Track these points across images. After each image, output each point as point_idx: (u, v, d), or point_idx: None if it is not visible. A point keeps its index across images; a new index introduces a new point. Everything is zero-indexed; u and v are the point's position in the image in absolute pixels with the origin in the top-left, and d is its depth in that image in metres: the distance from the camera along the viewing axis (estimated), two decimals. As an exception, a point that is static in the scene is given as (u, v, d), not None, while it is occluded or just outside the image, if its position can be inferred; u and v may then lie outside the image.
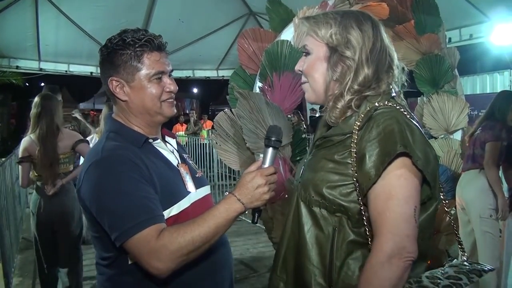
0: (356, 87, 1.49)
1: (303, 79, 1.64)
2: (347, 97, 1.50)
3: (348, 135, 1.47)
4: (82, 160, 4.38)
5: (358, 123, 1.45)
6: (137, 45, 1.71)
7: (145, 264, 1.52)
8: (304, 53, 1.63)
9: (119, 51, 1.72)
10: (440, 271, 1.49)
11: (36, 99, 4.18)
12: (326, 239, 1.48)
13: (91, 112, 21.35)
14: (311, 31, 1.58)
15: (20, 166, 4.08)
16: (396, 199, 1.35)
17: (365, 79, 1.49)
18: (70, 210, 4.05)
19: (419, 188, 1.39)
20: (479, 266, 1.55)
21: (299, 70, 1.64)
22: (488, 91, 9.60)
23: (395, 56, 1.58)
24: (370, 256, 1.36)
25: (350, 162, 1.43)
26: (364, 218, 1.42)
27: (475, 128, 4.32)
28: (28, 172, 4.02)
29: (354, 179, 1.42)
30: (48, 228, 4.02)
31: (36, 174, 4.03)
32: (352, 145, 1.43)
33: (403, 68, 1.62)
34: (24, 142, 4.04)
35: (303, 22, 1.63)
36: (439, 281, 1.41)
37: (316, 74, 1.57)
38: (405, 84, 1.63)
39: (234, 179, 10.37)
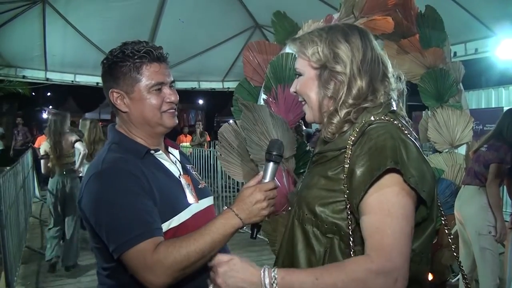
0: (350, 101, 1.46)
1: (301, 98, 1.61)
2: (342, 112, 1.46)
3: (342, 150, 1.44)
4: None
5: (353, 138, 1.41)
6: (136, 57, 1.72)
7: (140, 278, 1.52)
8: (296, 75, 1.60)
9: (119, 63, 1.73)
10: None
11: (50, 117, 6.44)
12: (317, 261, 1.44)
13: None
14: (299, 52, 1.56)
15: (42, 160, 6.30)
16: (396, 217, 1.28)
17: (359, 92, 1.45)
18: (73, 186, 6.17)
19: (414, 208, 1.33)
20: None
21: (294, 92, 1.62)
22: (493, 106, 9.58)
23: (389, 64, 1.55)
24: (360, 260, 1.28)
25: (343, 178, 1.39)
26: (355, 238, 1.36)
27: (480, 144, 4.29)
28: (47, 164, 6.18)
29: (346, 196, 1.37)
30: (59, 195, 6.12)
31: (50, 164, 6.14)
32: (345, 160, 1.39)
33: (399, 77, 1.58)
34: (44, 145, 6.26)
35: (290, 45, 1.62)
36: None
37: (310, 93, 1.55)
38: (405, 91, 1.59)
39: (238, 190, 10.31)
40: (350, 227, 1.37)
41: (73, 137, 6.32)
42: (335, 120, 1.47)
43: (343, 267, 1.30)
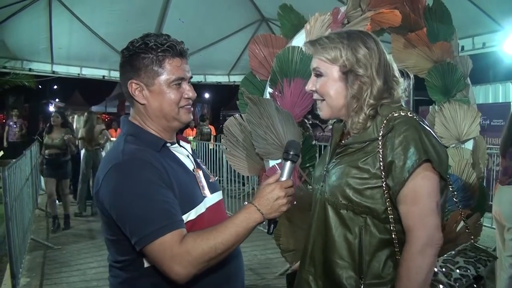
0: (372, 100, 1.71)
1: (317, 96, 1.82)
2: (367, 110, 1.71)
3: (367, 142, 1.70)
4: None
5: (381, 132, 1.66)
6: (159, 50, 1.72)
7: (166, 268, 1.53)
8: (315, 74, 1.80)
9: (141, 54, 1.73)
10: (450, 260, 1.72)
11: (86, 114, 9.54)
12: (354, 237, 1.71)
13: (103, 115, 21.50)
14: (320, 55, 1.77)
15: (80, 141, 9.07)
16: (421, 196, 1.60)
17: (379, 91, 1.72)
18: (99, 157, 9.10)
19: (439, 185, 1.64)
20: (483, 254, 1.75)
21: (311, 90, 1.82)
22: (500, 101, 9.54)
23: (394, 65, 1.82)
24: (407, 247, 1.61)
25: (374, 166, 1.66)
26: (390, 216, 1.65)
27: (507, 142, 4.05)
28: (83, 143, 9.11)
29: (384, 184, 1.64)
30: (90, 165, 9.13)
31: (85, 145, 9.20)
32: (378, 151, 1.65)
33: (402, 73, 1.85)
34: (81, 132, 9.14)
35: (308, 46, 1.81)
36: (451, 272, 1.66)
37: (333, 93, 1.77)
38: (410, 84, 1.76)
39: (243, 184, 10.35)
40: (387, 209, 1.66)
41: (102, 126, 9.77)
42: (361, 118, 1.72)
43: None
